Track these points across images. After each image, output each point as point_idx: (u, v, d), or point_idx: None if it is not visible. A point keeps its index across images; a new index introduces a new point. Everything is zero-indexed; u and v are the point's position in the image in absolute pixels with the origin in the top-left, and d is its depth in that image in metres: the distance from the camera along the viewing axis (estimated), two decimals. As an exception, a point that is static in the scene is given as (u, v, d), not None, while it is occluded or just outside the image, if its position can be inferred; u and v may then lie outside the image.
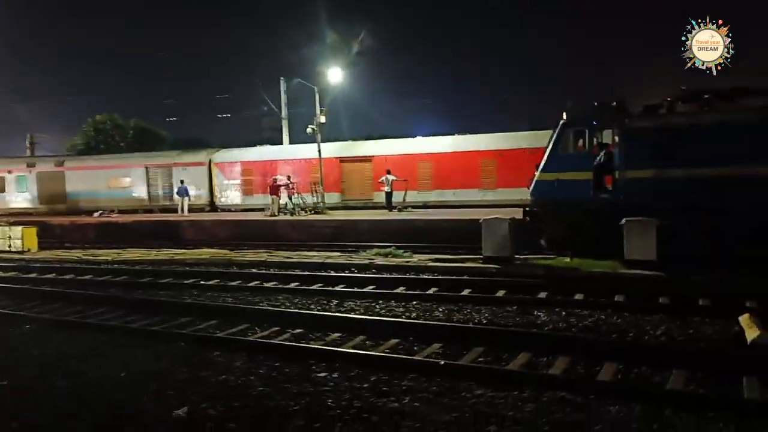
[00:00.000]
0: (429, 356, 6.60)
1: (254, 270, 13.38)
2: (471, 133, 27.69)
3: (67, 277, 13.69)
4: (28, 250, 19.34)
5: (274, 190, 24.73)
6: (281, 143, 33.07)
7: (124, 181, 31.12)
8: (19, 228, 20.01)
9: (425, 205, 24.39)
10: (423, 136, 29.26)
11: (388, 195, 23.88)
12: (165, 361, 6.68)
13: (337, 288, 10.82)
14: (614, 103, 12.84)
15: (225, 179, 29.37)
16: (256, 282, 11.85)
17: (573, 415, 4.80)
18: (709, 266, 10.25)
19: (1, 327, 8.70)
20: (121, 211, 29.51)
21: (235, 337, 7.56)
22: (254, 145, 32.68)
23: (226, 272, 13.13)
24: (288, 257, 14.99)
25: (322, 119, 25.92)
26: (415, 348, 7.00)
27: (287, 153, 29.63)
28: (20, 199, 33.20)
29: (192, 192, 28.87)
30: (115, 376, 6.25)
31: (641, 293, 9.36)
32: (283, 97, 33.36)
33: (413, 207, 23.96)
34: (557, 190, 12.54)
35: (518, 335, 7.10)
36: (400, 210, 23.32)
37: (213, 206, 29.46)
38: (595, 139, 12.78)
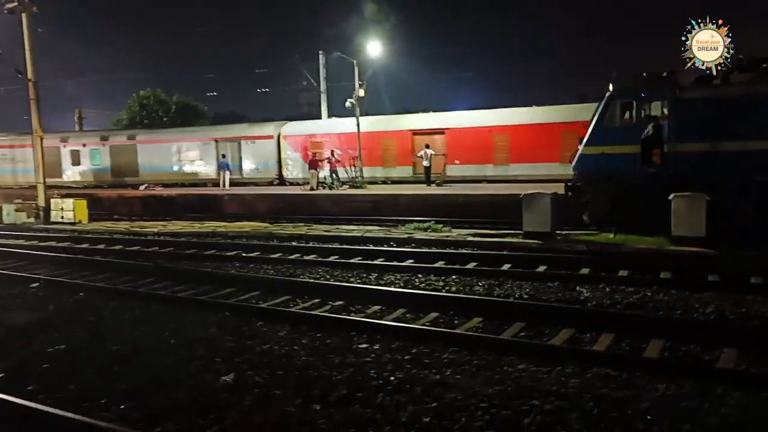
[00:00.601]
0: (469, 330, 6.60)
1: (294, 243, 13.57)
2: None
3: (117, 247, 14.19)
4: (80, 221, 20.11)
5: (314, 164, 24.94)
6: (320, 117, 33.15)
7: (195, 154, 31.23)
8: (71, 200, 20.80)
9: (502, 180, 23.70)
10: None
11: (427, 169, 23.77)
12: (212, 330, 6.88)
13: (376, 261, 10.88)
14: (664, 74, 12.36)
15: (294, 152, 29.07)
16: (297, 255, 12.02)
17: (619, 391, 4.73)
18: (759, 243, 9.86)
19: (58, 294, 9.11)
20: (191, 184, 30.00)
21: (278, 308, 7.71)
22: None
23: (267, 245, 13.36)
24: (327, 231, 15.14)
25: (361, 93, 25.83)
26: (455, 322, 7.01)
27: (356, 126, 28.76)
28: (94, 171, 33.87)
29: (260, 165, 29.11)
30: (165, 342, 6.48)
31: (690, 270, 9.09)
32: (322, 71, 33.36)
33: (489, 181, 23.47)
34: (602, 164, 12.22)
35: (561, 310, 7.02)
36: (438, 184, 23.21)
37: (281, 180, 29.46)
38: (643, 112, 12.35)
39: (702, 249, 10.20)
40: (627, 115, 12.39)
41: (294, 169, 29.17)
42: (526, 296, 8.12)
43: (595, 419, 4.28)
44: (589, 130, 12.60)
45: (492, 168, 24.66)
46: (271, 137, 29.70)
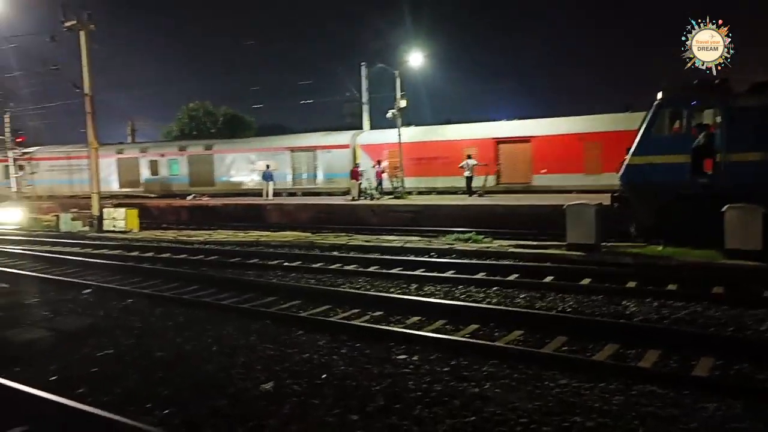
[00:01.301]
0: (510, 343, 6.49)
1: (335, 253, 13.67)
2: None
3: (164, 255, 14.62)
4: (131, 230, 20.84)
5: (355, 174, 25.16)
6: (361, 128, 33.42)
7: (271, 164, 29.79)
8: (123, 210, 21.60)
9: (594, 190, 21.63)
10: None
11: (468, 179, 23.60)
12: (253, 338, 6.99)
13: (416, 272, 10.84)
14: (716, 81, 11.96)
15: (370, 162, 27.63)
16: (337, 265, 12.10)
17: (665, 409, 4.55)
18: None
19: (107, 300, 9.45)
20: (258, 194, 29.53)
21: (318, 318, 7.77)
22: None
23: (309, 254, 13.51)
24: (368, 241, 15.20)
25: (403, 103, 25.94)
26: (496, 334, 6.91)
27: (437, 134, 28.02)
28: (172, 181, 34.09)
29: (335, 175, 28.83)
30: (207, 348, 6.62)
31: (743, 285, 8.71)
32: (364, 82, 33.70)
33: (579, 192, 22.47)
34: (650, 174, 11.86)
35: (605, 325, 6.82)
36: (480, 195, 23.02)
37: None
38: (693, 120, 11.96)
39: (757, 263, 9.75)
40: (677, 123, 12.03)
41: (371, 178, 27.27)
42: (569, 309, 7.94)
43: (640, 439, 4.13)
44: (637, 139, 12.27)
45: (583, 177, 23.31)
46: (347, 146, 29.14)
